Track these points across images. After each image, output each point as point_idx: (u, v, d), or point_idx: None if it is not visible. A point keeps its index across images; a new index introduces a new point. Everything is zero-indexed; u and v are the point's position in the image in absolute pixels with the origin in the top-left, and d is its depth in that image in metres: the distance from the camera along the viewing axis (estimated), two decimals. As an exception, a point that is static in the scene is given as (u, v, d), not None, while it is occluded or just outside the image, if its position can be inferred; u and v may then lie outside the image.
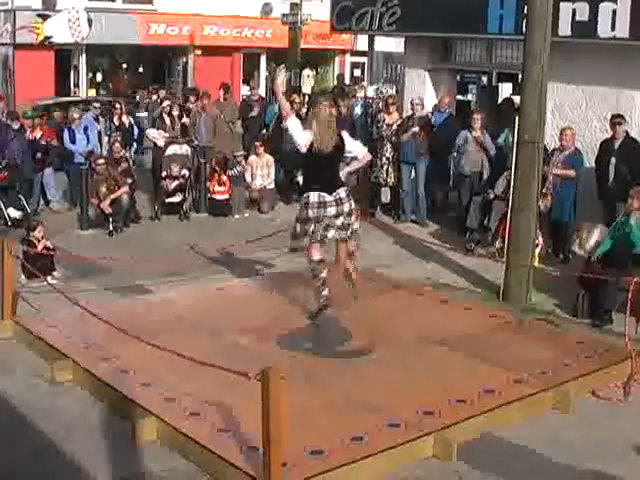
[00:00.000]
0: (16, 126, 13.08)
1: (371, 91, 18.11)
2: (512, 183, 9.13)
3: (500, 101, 14.41)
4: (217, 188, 13.50)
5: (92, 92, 25.97)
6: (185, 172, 13.35)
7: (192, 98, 15.30)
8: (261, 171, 13.89)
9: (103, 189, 12.17)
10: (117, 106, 15.35)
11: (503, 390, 6.49)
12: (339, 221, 7.52)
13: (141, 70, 28.19)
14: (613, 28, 10.87)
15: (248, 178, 13.81)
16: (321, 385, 6.51)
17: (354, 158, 7.96)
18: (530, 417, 6.27)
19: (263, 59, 29.61)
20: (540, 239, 9.91)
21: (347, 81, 27.45)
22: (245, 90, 25.12)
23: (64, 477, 5.49)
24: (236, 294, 9.12)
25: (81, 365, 6.85)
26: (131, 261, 9.79)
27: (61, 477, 5.49)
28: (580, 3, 11.17)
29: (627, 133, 10.61)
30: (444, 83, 14.77)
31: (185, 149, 13.70)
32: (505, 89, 15.03)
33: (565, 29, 11.28)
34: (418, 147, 12.52)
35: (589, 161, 11.00)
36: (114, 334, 6.96)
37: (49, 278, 9.02)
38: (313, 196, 7.44)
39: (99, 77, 27.03)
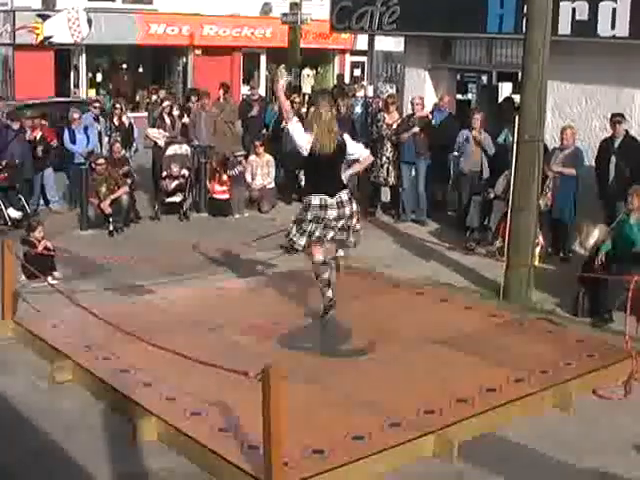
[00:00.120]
0: (16, 126, 13.06)
1: (371, 90, 18.10)
2: (512, 182, 9.13)
3: (500, 100, 14.40)
4: (217, 188, 13.49)
5: (92, 92, 25.94)
6: (185, 172, 13.34)
7: (193, 98, 15.32)
8: (261, 171, 13.89)
9: (103, 189, 12.16)
10: (117, 106, 15.32)
11: (504, 389, 6.48)
12: (340, 224, 7.54)
13: (141, 70, 28.17)
14: (613, 27, 10.88)
15: (248, 178, 13.80)
16: (322, 384, 6.51)
17: (356, 160, 7.96)
18: (531, 416, 6.27)
19: (263, 59, 29.58)
20: (540, 238, 9.90)
21: (347, 80, 27.44)
22: (245, 90, 25.10)
23: (64, 477, 5.49)
24: (236, 294, 9.11)
25: (81, 365, 6.85)
26: (131, 261, 9.79)
27: (61, 477, 5.49)
28: (580, 2, 11.18)
29: (627, 132, 10.60)
30: (444, 82, 14.77)
31: (185, 149, 13.69)
32: (505, 88, 15.02)
33: (565, 28, 11.28)
34: (418, 147, 12.52)
35: (589, 160, 11.00)
36: (114, 334, 6.97)
37: (49, 278, 9.02)
38: (315, 199, 7.45)
39: (99, 77, 27.00)
